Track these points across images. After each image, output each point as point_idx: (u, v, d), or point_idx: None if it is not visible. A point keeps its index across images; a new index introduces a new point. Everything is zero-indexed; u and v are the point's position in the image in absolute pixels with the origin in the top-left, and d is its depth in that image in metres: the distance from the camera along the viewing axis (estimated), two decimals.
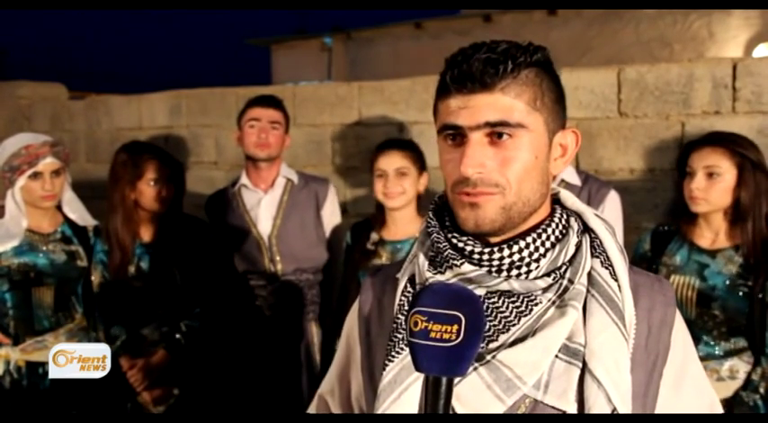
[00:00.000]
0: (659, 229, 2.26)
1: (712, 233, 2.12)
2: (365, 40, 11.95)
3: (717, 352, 2.06)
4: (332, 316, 2.71)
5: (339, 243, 2.79)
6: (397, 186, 2.33)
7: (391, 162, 2.35)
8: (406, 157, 2.36)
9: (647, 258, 2.22)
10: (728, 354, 2.05)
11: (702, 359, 2.02)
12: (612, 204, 2.44)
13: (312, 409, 1.17)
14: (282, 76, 12.64)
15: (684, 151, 2.20)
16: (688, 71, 2.73)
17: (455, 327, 0.78)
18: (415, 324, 0.80)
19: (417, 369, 0.80)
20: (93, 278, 2.56)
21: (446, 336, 0.78)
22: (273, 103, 2.80)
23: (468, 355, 0.79)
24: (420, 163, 2.41)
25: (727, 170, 2.05)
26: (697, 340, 2.02)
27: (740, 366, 2.04)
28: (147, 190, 2.55)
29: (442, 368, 0.78)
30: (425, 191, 2.47)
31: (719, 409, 1.01)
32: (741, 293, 2.03)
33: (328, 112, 3.53)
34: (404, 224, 2.40)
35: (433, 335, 0.79)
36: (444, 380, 0.78)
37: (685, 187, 2.14)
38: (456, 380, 0.84)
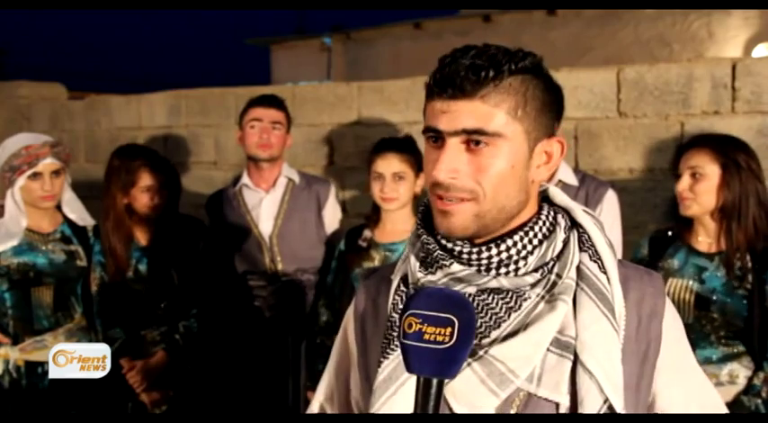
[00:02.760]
0: (658, 235, 2.24)
1: (709, 237, 2.10)
2: (365, 40, 11.94)
3: (716, 356, 2.04)
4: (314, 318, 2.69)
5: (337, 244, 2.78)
6: (394, 191, 2.33)
7: (389, 166, 2.34)
8: (403, 160, 2.35)
9: (645, 263, 2.20)
10: (727, 358, 2.03)
11: (701, 363, 2.01)
12: (610, 204, 2.44)
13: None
14: (282, 76, 12.61)
15: (677, 154, 2.20)
16: (687, 71, 2.73)
17: (449, 329, 0.79)
18: (410, 326, 0.81)
19: (409, 370, 0.80)
20: (92, 278, 2.56)
21: (440, 338, 0.79)
22: (275, 103, 2.79)
23: (460, 357, 0.79)
24: (417, 164, 2.39)
25: (710, 171, 2.04)
26: (695, 345, 2.00)
27: (740, 371, 2.01)
28: (141, 196, 2.55)
29: (434, 369, 0.79)
30: (422, 190, 2.47)
31: (723, 407, 1.02)
32: (740, 296, 2.00)
33: (328, 112, 3.53)
34: (399, 224, 2.39)
35: (426, 337, 0.79)
36: (435, 381, 0.79)
37: (675, 189, 2.14)
38: None
